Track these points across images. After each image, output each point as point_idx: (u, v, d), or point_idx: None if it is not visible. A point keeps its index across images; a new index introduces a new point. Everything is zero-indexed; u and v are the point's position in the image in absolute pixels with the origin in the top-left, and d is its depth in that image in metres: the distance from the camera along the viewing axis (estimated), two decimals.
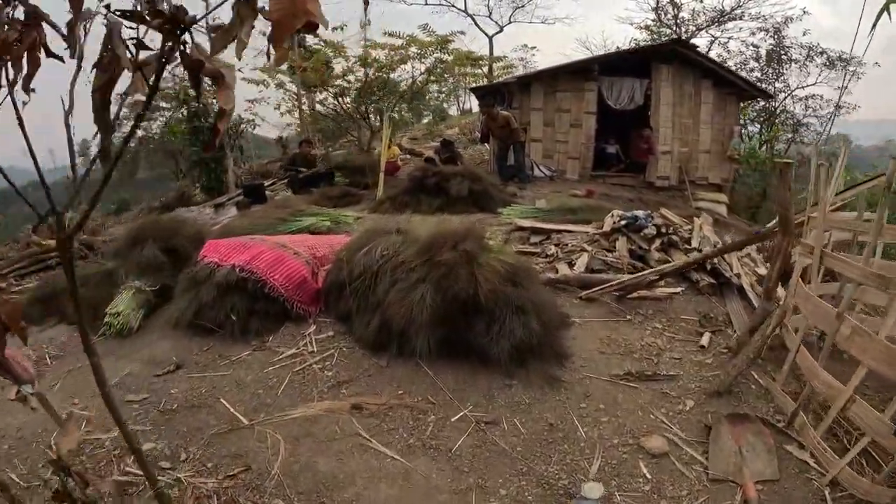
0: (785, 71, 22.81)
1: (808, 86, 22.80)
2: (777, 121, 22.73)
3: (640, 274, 5.75)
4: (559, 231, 7.44)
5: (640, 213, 6.86)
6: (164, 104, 18.87)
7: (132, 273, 6.07)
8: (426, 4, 34.10)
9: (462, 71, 18.97)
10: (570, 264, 6.31)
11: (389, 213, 9.39)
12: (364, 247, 5.33)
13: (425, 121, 34.70)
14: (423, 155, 18.63)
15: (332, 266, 5.56)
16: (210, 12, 2.02)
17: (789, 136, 23.04)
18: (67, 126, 18.80)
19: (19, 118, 1.89)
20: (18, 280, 8.82)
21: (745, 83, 14.45)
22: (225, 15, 1.84)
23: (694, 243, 6.55)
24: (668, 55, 13.35)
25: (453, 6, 34.24)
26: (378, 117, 19.76)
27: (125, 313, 5.53)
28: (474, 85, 19.05)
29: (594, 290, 5.65)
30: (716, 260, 5.99)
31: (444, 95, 32.99)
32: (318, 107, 20.59)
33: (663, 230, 6.61)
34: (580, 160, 13.75)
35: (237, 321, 5.10)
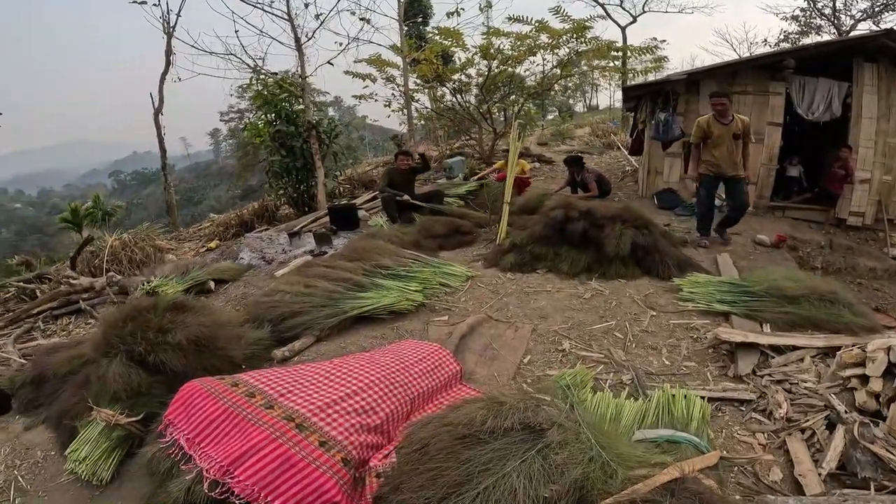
0: None
1: None
2: None
3: None
4: (782, 347, 4.41)
5: None
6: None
7: (102, 396, 4.18)
8: None
9: (598, 64, 16.07)
10: (808, 441, 3.32)
11: (514, 271, 6.73)
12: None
13: (549, 117, 32.00)
14: (551, 161, 15.90)
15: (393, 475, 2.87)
16: None
17: None
18: (157, 125, 17.73)
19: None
20: (48, 322, 7.74)
21: None
22: None
23: None
24: (874, 51, 9.85)
25: None
26: (503, 115, 17.14)
27: (91, 460, 3.87)
28: (628, 83, 15.91)
29: None
30: None
31: (570, 90, 30.18)
32: (435, 104, 18.16)
33: None
34: (757, 186, 10.40)
35: None
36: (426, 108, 18.69)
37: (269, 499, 2.72)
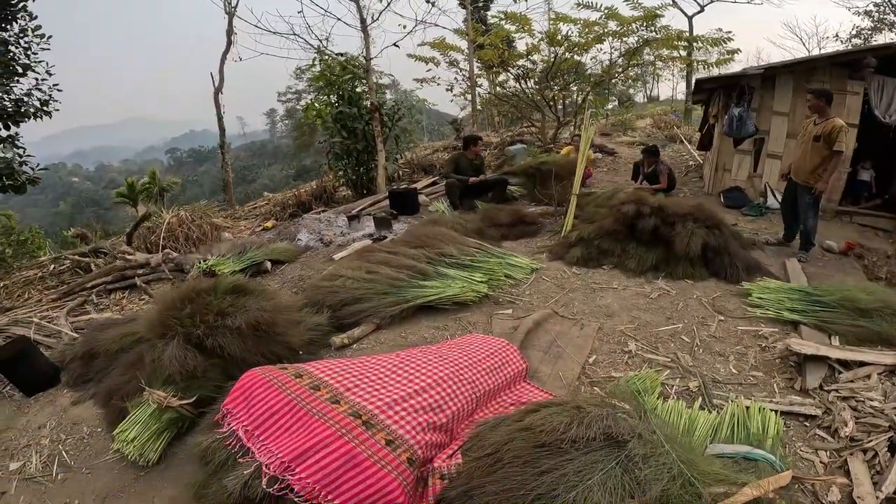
0: None
1: None
2: None
3: None
4: (850, 362, 4.26)
5: None
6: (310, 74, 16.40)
7: (155, 377, 4.12)
8: None
9: (666, 54, 15.71)
10: (869, 462, 3.26)
11: (579, 266, 6.60)
12: None
13: (609, 106, 31.52)
14: (613, 152, 15.56)
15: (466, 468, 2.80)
16: None
17: None
18: (217, 104, 17.96)
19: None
20: (102, 296, 7.66)
21: None
22: None
23: None
24: None
25: None
26: (562, 103, 16.88)
27: (139, 441, 3.81)
28: (695, 74, 15.49)
29: None
30: None
31: (630, 80, 29.81)
32: (497, 90, 17.92)
33: None
34: (827, 189, 9.99)
35: None
36: (488, 92, 18.53)
37: (329, 498, 2.66)
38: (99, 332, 5.47)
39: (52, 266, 9.65)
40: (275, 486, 2.76)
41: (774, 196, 9.75)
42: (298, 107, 44.71)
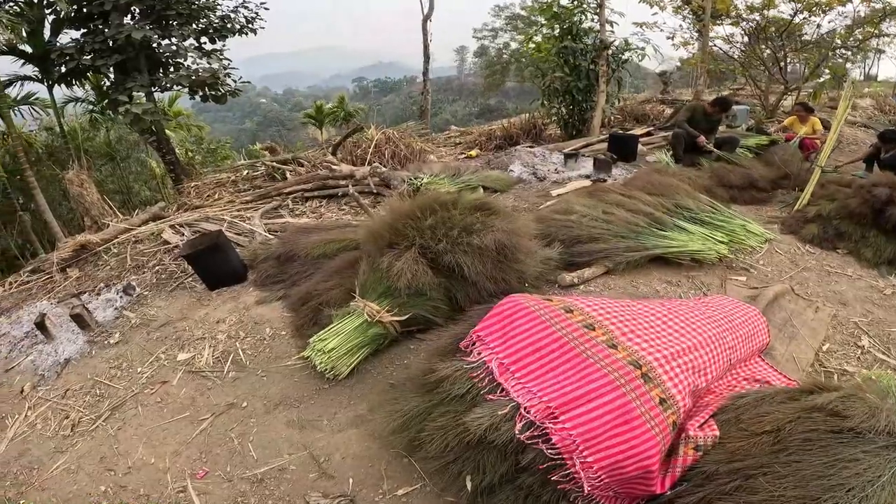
0: None
1: None
2: None
3: None
4: None
5: None
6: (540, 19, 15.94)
7: (370, 288, 3.98)
8: None
9: None
10: None
11: (813, 244, 6.15)
12: None
13: (821, 80, 29.56)
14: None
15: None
16: None
17: None
18: (424, 31, 18.34)
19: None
20: (297, 203, 7.90)
21: None
22: None
23: None
24: None
25: None
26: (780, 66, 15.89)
27: (336, 353, 3.71)
28: None
29: None
30: None
31: (850, 53, 27.81)
32: (718, 43, 17.08)
33: None
34: None
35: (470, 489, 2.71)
36: (713, 45, 17.69)
37: (584, 454, 2.40)
38: (302, 235, 5.55)
39: (246, 172, 10.21)
40: (526, 433, 2.54)
41: None
42: (492, 45, 44.66)
